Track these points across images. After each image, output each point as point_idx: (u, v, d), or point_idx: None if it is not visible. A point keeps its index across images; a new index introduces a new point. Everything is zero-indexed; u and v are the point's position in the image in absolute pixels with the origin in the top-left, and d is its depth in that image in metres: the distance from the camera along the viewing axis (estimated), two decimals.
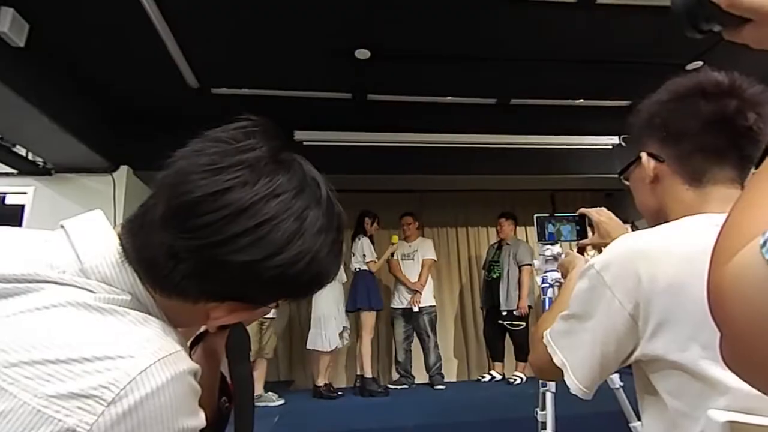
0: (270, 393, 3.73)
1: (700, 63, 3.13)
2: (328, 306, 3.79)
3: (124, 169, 3.52)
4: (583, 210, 1.08)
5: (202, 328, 0.66)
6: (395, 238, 4.18)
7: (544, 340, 0.77)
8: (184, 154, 0.50)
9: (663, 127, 0.74)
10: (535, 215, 1.17)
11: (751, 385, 0.30)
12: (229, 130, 0.51)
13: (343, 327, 3.86)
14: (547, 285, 1.22)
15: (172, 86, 3.10)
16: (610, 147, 4.21)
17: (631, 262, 0.65)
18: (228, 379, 0.68)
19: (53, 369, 0.40)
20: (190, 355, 0.51)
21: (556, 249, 1.17)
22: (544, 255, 1.20)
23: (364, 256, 4.05)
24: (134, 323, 0.46)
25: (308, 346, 3.84)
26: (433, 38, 2.79)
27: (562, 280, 1.10)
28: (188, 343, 0.65)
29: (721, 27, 0.39)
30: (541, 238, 1.17)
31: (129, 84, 3.13)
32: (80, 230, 0.51)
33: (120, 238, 0.51)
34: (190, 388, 0.46)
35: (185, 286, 0.49)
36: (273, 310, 3.88)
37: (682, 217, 0.70)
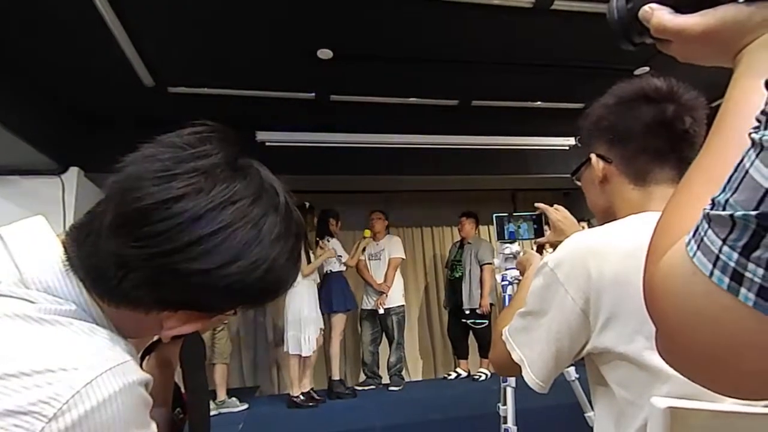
0: (233, 398, 3.64)
1: (647, 69, 3.32)
2: (310, 307, 3.65)
3: (74, 171, 3.33)
4: (540, 205, 1.12)
5: (155, 337, 0.64)
6: (368, 232, 4.10)
7: (503, 338, 0.79)
8: (135, 159, 0.48)
9: (610, 130, 0.78)
10: (494, 214, 1.20)
11: (685, 376, 0.32)
12: (184, 135, 0.50)
13: (320, 329, 3.74)
14: (507, 283, 1.25)
15: (126, 84, 2.97)
16: (567, 148, 4.38)
17: (581, 259, 0.68)
18: (182, 390, 0.66)
19: None
20: (141, 366, 0.49)
21: (515, 247, 1.21)
22: (503, 253, 1.23)
23: (340, 257, 3.99)
24: (78, 334, 0.44)
25: (290, 351, 3.60)
26: (395, 40, 2.81)
27: (521, 278, 1.13)
28: (140, 353, 0.63)
29: (652, 40, 0.42)
30: (501, 236, 1.20)
31: (79, 81, 2.96)
32: (19, 238, 0.48)
33: (64, 246, 0.48)
34: (141, 399, 0.45)
35: (136, 295, 0.47)
36: None
37: (628, 215, 0.74)
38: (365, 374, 4.26)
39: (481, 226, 5.13)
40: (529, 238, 1.21)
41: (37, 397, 0.38)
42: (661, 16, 0.39)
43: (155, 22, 2.48)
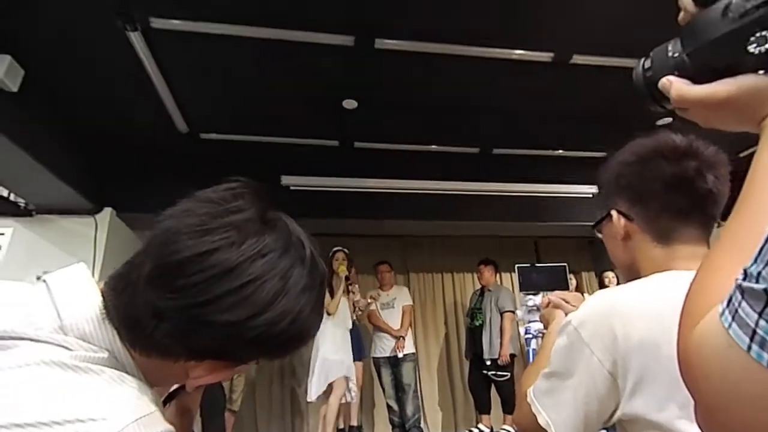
0: None
1: (669, 119, 3.32)
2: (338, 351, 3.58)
3: (107, 211, 3.47)
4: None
5: (176, 385, 0.64)
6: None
7: (528, 399, 0.76)
8: (173, 213, 0.51)
9: (630, 189, 0.77)
10: (517, 265, 1.19)
11: None
12: (219, 191, 0.52)
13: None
14: (531, 336, 1.21)
15: (162, 130, 3.14)
16: (590, 195, 4.33)
17: (606, 320, 0.66)
18: None
19: None
20: (163, 413, 0.50)
21: (538, 299, 1.18)
22: (526, 305, 1.20)
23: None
24: (109, 382, 0.45)
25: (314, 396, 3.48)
26: (419, 91, 2.91)
27: (545, 331, 1.10)
28: (162, 398, 0.63)
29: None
30: (524, 288, 1.18)
31: (119, 127, 3.15)
32: (62, 285, 0.50)
33: (103, 295, 0.50)
34: None
35: (167, 344, 0.48)
36: None
37: (652, 273, 0.72)
38: (392, 423, 4.11)
39: (503, 273, 5.04)
40: (552, 289, 1.18)
41: None
42: (679, 87, 0.40)
43: (193, 73, 2.65)
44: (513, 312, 4.16)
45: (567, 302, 1.03)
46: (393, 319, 4.20)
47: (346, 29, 2.36)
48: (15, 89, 2.33)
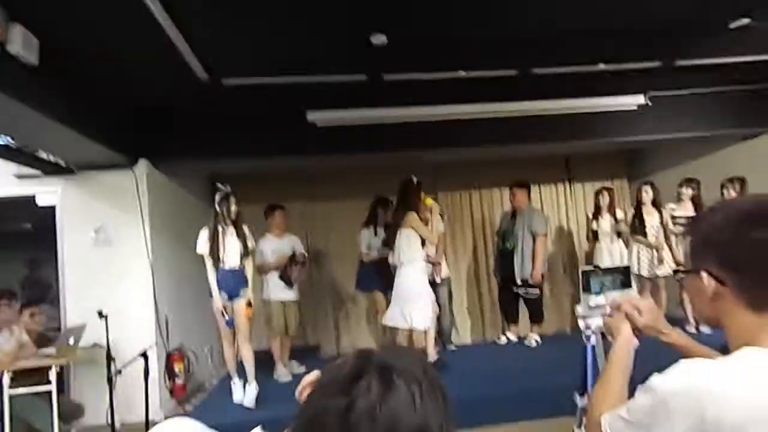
0: (293, 361, 4.03)
1: (747, 20, 2.92)
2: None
3: (143, 163, 3.51)
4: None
5: None
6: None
7: (602, 428, 0.82)
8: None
9: (722, 254, 0.74)
10: (581, 269, 1.20)
11: None
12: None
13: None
14: (591, 332, 1.26)
15: (183, 81, 3.00)
16: (635, 108, 4.04)
17: (696, 399, 0.67)
18: None
19: None
20: None
21: (600, 300, 1.20)
22: (588, 303, 1.23)
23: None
24: None
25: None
26: (454, 17, 2.63)
27: (603, 330, 1.13)
28: None
29: None
30: (586, 290, 1.21)
31: (141, 82, 3.06)
32: None
33: None
34: None
35: None
36: (295, 293, 3.96)
37: (740, 342, 0.71)
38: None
39: (531, 190, 4.97)
40: (614, 290, 1.20)
41: None
42: None
43: (205, 17, 2.43)
44: (545, 235, 4.22)
45: (639, 312, 0.99)
46: (429, 246, 4.32)
47: None
48: (35, 62, 2.23)
